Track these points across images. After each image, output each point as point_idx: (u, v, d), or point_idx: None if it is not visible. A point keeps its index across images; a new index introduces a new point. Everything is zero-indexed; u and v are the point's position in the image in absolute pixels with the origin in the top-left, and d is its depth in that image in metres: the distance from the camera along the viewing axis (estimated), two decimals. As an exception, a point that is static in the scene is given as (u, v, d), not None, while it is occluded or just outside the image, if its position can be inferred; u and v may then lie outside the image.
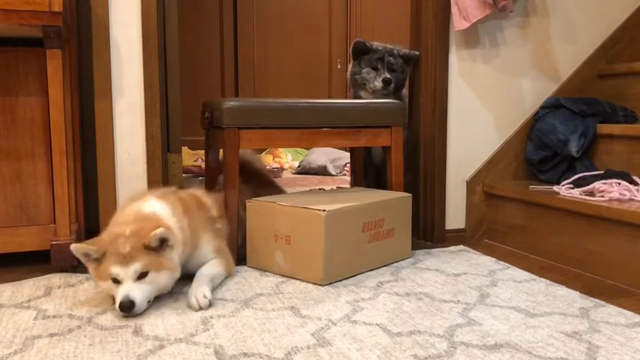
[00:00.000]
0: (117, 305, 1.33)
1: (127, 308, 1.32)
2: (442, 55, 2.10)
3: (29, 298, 1.48)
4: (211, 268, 1.56)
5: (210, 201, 1.72)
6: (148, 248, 1.37)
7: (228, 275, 1.65)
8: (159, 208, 1.50)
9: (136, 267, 1.34)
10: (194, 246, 1.56)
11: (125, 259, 1.34)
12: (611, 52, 2.33)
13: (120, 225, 1.43)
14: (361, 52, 2.17)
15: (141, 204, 1.52)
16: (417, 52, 2.15)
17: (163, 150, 1.86)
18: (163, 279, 1.40)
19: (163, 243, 1.40)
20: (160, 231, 1.37)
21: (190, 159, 3.90)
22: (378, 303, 1.46)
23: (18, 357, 1.14)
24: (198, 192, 1.74)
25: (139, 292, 1.35)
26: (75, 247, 1.36)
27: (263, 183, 2.09)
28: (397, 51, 2.15)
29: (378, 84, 2.12)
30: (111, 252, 1.35)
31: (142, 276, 1.36)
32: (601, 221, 1.72)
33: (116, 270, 1.34)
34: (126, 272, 1.34)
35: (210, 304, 1.42)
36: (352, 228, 1.68)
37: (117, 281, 1.35)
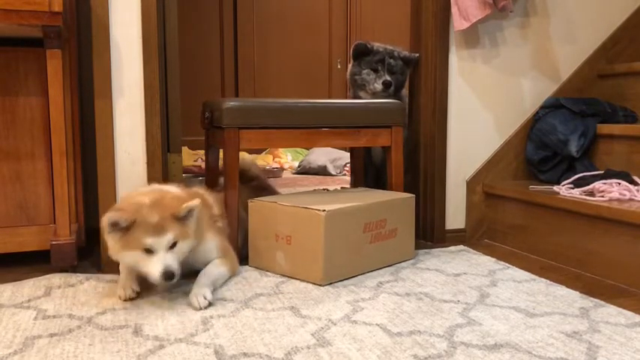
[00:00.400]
0: (157, 274, 1.35)
1: (170, 277, 1.36)
2: (442, 55, 2.10)
3: (29, 298, 1.48)
4: (215, 268, 1.57)
5: (211, 199, 1.72)
6: (175, 218, 1.41)
7: (233, 275, 1.66)
8: (167, 187, 1.54)
9: (169, 237, 1.38)
10: (199, 239, 1.56)
11: (157, 230, 1.37)
12: (611, 52, 2.33)
13: (133, 198, 1.45)
14: (362, 54, 2.17)
15: (147, 187, 1.55)
16: (417, 55, 2.15)
17: (163, 150, 1.86)
18: (186, 248, 1.45)
19: (188, 214, 1.43)
20: (194, 203, 1.42)
21: (190, 159, 3.90)
22: (378, 303, 1.46)
23: (18, 357, 1.14)
24: (201, 190, 1.74)
25: (174, 262, 1.38)
26: (110, 216, 1.35)
27: (261, 188, 2.09)
28: (397, 53, 2.15)
29: (378, 86, 2.12)
30: (140, 221, 1.37)
31: (172, 246, 1.39)
32: (601, 221, 1.72)
33: (150, 240, 1.36)
34: (160, 243, 1.37)
35: (211, 304, 1.42)
36: (353, 228, 1.68)
37: (149, 251, 1.37)
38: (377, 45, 2.18)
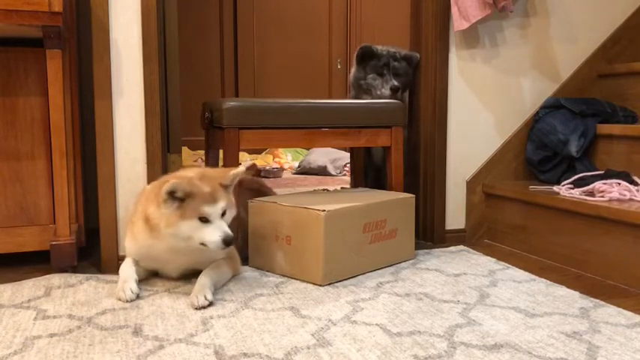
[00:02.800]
0: (219, 241, 1.42)
1: (230, 243, 1.44)
2: (442, 55, 2.10)
3: (29, 298, 1.48)
4: (217, 268, 1.57)
5: None
6: (224, 187, 1.50)
7: (235, 274, 1.66)
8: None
9: (222, 205, 1.46)
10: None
11: (213, 199, 1.45)
12: (611, 52, 2.33)
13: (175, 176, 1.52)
14: (367, 58, 2.16)
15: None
16: (418, 54, 2.15)
17: (163, 150, 1.86)
18: (232, 215, 1.52)
19: (232, 182, 1.53)
20: (240, 169, 1.53)
21: (190, 159, 3.90)
22: (378, 303, 1.46)
23: (18, 357, 1.14)
24: None
25: (227, 228, 1.46)
26: (173, 183, 1.40)
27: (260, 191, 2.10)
28: (399, 54, 2.14)
29: (386, 92, 2.11)
30: (196, 191, 1.44)
31: (223, 214, 1.47)
32: (601, 221, 1.72)
33: (207, 209, 1.43)
34: (215, 210, 1.44)
35: (211, 304, 1.42)
36: (353, 228, 1.68)
37: (205, 220, 1.43)
38: (380, 48, 2.17)
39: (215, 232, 1.43)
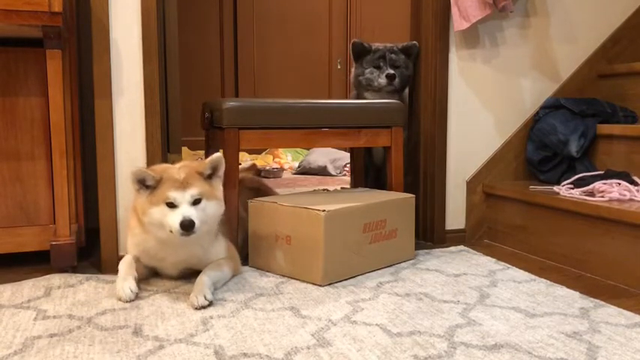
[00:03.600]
0: (177, 225, 1.39)
1: (189, 227, 1.39)
2: (442, 55, 2.10)
3: (29, 298, 1.48)
4: (218, 267, 1.57)
5: None
6: (201, 175, 1.47)
7: (235, 274, 1.66)
8: None
9: (192, 192, 1.43)
10: (215, 237, 1.60)
11: (182, 185, 1.43)
12: (611, 52, 2.33)
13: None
14: (361, 53, 2.18)
15: None
16: (416, 42, 2.14)
17: (163, 150, 1.86)
18: (213, 208, 1.48)
19: (214, 172, 1.50)
20: (216, 155, 1.49)
21: (190, 159, 3.89)
22: (378, 303, 1.46)
23: (18, 357, 1.14)
24: None
25: (195, 214, 1.41)
26: (135, 171, 1.42)
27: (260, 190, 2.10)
28: (397, 46, 2.15)
29: (382, 80, 2.12)
30: (167, 178, 1.43)
31: (195, 202, 1.43)
32: (601, 221, 1.72)
33: (173, 194, 1.41)
34: (183, 196, 1.42)
35: (211, 304, 1.42)
36: (353, 228, 1.68)
37: (172, 206, 1.41)
38: (376, 44, 2.18)
39: (176, 216, 1.40)
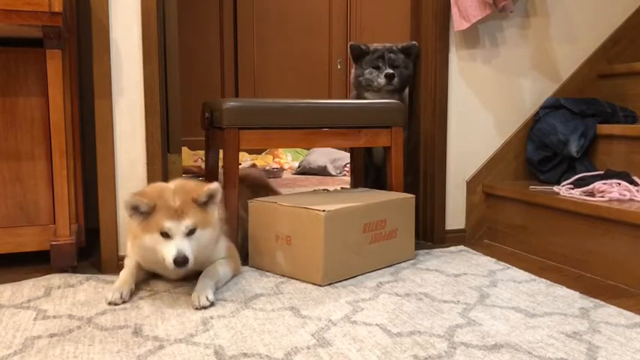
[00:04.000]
0: (170, 259, 1.35)
1: (182, 263, 1.35)
2: (442, 55, 2.10)
3: (29, 298, 1.48)
4: (219, 267, 1.57)
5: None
6: (196, 203, 1.41)
7: (236, 274, 1.66)
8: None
9: (188, 223, 1.38)
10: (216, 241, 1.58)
11: (177, 214, 1.38)
12: (611, 52, 2.33)
13: (155, 185, 1.48)
14: (360, 55, 2.18)
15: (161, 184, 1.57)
16: (415, 42, 2.14)
17: (163, 150, 1.86)
18: (206, 237, 1.44)
19: (210, 200, 1.44)
20: (213, 186, 1.42)
21: (190, 159, 3.90)
22: (378, 303, 1.46)
23: (18, 357, 1.14)
24: None
25: (189, 248, 1.37)
26: (128, 199, 1.37)
27: (261, 187, 2.10)
28: (396, 46, 2.15)
29: (382, 80, 2.12)
30: (161, 205, 1.38)
31: (190, 232, 1.39)
32: (601, 221, 1.72)
33: (168, 224, 1.37)
34: (177, 227, 1.37)
35: (212, 305, 1.42)
36: (353, 228, 1.68)
37: (166, 235, 1.37)
38: (375, 45, 2.19)
39: (171, 250, 1.36)
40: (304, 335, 1.25)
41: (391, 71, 2.11)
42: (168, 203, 1.39)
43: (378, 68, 2.14)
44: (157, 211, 1.38)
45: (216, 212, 1.48)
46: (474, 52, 2.15)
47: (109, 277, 1.65)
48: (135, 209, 1.40)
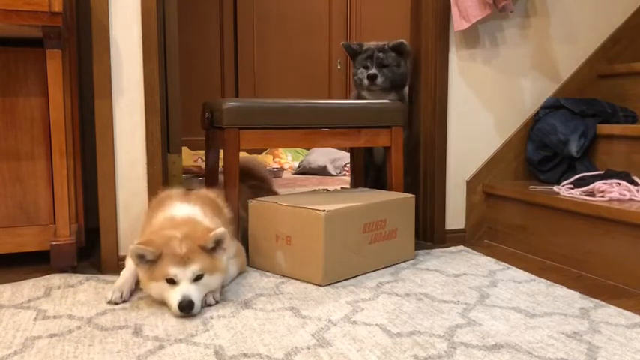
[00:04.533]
0: (175, 305, 1.33)
1: (188, 308, 1.32)
2: (442, 55, 2.10)
3: (29, 298, 1.48)
4: (228, 267, 1.57)
5: (222, 202, 1.73)
6: (203, 249, 1.38)
7: (242, 271, 1.68)
8: (191, 211, 1.52)
9: (194, 268, 1.35)
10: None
11: (183, 260, 1.35)
12: (612, 52, 2.33)
13: (163, 230, 1.43)
14: (355, 54, 2.20)
15: (170, 210, 1.52)
16: (403, 40, 2.13)
17: (163, 150, 1.86)
18: (215, 281, 1.42)
19: (217, 245, 1.41)
20: (219, 231, 1.38)
21: (190, 159, 3.89)
22: (378, 303, 1.46)
23: (18, 357, 1.14)
24: (211, 194, 1.73)
25: (196, 294, 1.35)
26: (134, 248, 1.35)
27: (261, 188, 2.10)
28: (387, 45, 2.14)
29: (366, 81, 2.13)
30: (167, 252, 1.35)
31: (197, 278, 1.36)
32: (601, 221, 1.72)
33: (174, 270, 1.34)
34: (184, 273, 1.34)
35: (217, 302, 1.43)
36: (353, 229, 1.68)
37: (172, 282, 1.35)
38: (368, 44, 2.19)
39: (176, 296, 1.34)
40: (304, 335, 1.25)
41: (373, 72, 2.11)
42: (174, 250, 1.36)
43: (367, 68, 2.15)
44: (162, 259, 1.36)
45: (224, 257, 1.44)
46: (474, 52, 2.15)
47: (109, 277, 1.65)
48: (141, 258, 1.37)
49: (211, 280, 1.40)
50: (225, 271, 1.45)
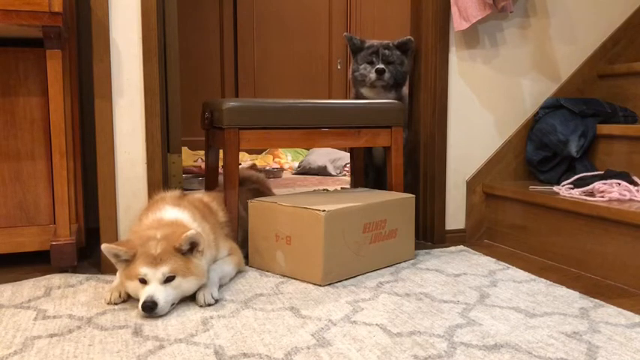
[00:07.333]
0: (139, 305, 1.34)
1: (149, 309, 1.32)
2: (442, 55, 2.10)
3: (29, 298, 1.48)
4: (222, 266, 1.58)
5: (216, 206, 1.73)
6: (178, 251, 1.38)
7: (240, 269, 1.68)
8: (180, 215, 1.52)
9: (164, 270, 1.35)
10: (217, 250, 1.58)
11: (155, 261, 1.35)
12: (612, 52, 2.33)
13: (145, 231, 1.44)
14: (356, 49, 2.19)
15: (159, 213, 1.53)
16: (411, 37, 2.14)
17: (163, 150, 1.86)
18: (189, 285, 1.40)
19: (194, 248, 1.40)
20: (191, 233, 1.38)
21: (190, 159, 3.89)
22: (378, 303, 1.46)
23: (18, 357, 1.14)
24: (205, 197, 1.74)
25: (162, 294, 1.35)
26: (105, 247, 1.37)
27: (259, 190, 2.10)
28: (392, 43, 2.15)
29: (373, 75, 2.12)
30: (141, 252, 1.37)
31: (168, 279, 1.36)
32: (601, 221, 1.72)
33: (144, 270, 1.35)
34: (154, 274, 1.35)
35: (217, 302, 1.43)
36: (353, 229, 1.68)
37: (144, 281, 1.36)
38: (371, 41, 2.19)
39: (142, 296, 1.34)
40: (304, 335, 1.25)
41: (382, 66, 2.11)
42: (149, 251, 1.36)
43: (371, 63, 2.15)
44: (137, 258, 1.37)
45: (202, 262, 1.43)
46: (474, 52, 2.15)
47: (109, 277, 1.65)
48: (117, 257, 1.38)
49: (184, 284, 1.39)
50: (203, 275, 1.43)
